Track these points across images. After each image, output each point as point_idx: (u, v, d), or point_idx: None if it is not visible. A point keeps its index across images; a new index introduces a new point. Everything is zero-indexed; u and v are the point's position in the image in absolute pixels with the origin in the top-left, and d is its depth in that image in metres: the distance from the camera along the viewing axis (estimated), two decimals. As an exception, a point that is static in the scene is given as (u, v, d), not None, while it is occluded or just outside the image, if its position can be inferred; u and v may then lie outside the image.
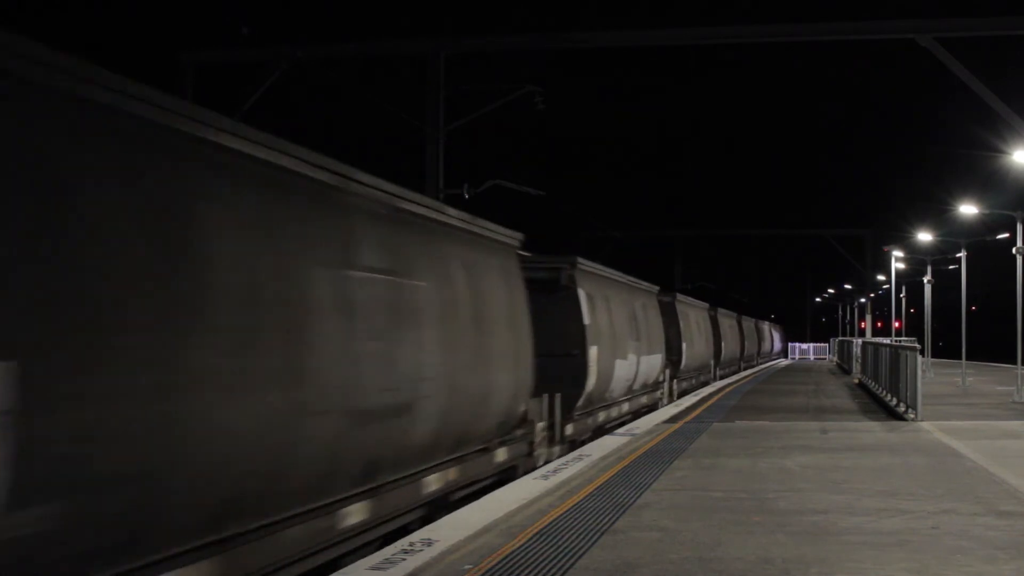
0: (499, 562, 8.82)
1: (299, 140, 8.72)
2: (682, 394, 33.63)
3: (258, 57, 24.00)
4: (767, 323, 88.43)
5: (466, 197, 24.90)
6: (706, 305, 45.06)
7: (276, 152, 8.21)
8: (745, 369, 59.52)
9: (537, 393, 15.99)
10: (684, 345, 34.23)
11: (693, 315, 38.69)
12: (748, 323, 66.82)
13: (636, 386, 24.81)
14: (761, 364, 72.80)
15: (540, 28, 24.30)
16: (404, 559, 8.77)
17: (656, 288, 30.56)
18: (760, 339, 75.31)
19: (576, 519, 10.76)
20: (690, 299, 39.89)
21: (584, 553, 9.14)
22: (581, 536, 9.88)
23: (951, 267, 52.36)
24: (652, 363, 26.50)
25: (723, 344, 47.59)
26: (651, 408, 27.34)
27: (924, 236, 47.06)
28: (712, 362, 44.41)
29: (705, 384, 40.41)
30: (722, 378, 46.25)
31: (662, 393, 29.89)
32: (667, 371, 30.70)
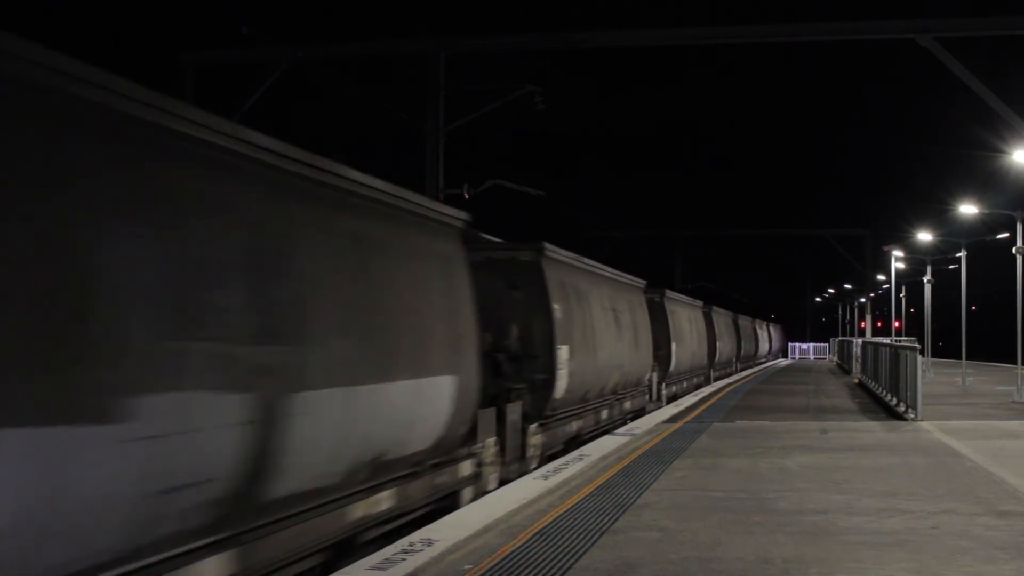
0: (499, 562, 8.82)
1: (299, 140, 8.72)
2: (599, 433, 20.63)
3: (258, 57, 23.98)
4: (750, 319, 74.70)
5: (466, 197, 24.90)
6: (640, 284, 28.45)
7: None
8: (717, 380, 46.06)
9: None
10: (562, 351, 17.53)
11: (595, 294, 21.07)
12: (722, 318, 52.89)
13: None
14: (745, 370, 60.36)
15: (540, 28, 24.30)
16: (404, 559, 8.78)
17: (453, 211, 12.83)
18: (740, 339, 60.28)
19: (576, 519, 10.76)
20: (565, 253, 19.41)
21: (584, 553, 9.14)
22: (581, 536, 9.88)
23: (951, 267, 52.39)
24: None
25: (675, 349, 33.15)
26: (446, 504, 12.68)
27: (924, 236, 47.08)
28: (653, 376, 29.19)
29: (639, 413, 26.48)
30: (672, 399, 32.11)
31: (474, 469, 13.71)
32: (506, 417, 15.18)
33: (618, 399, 24.07)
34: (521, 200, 30.47)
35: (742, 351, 61.35)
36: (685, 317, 37.07)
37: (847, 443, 18.11)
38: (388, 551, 9.14)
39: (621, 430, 21.02)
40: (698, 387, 39.15)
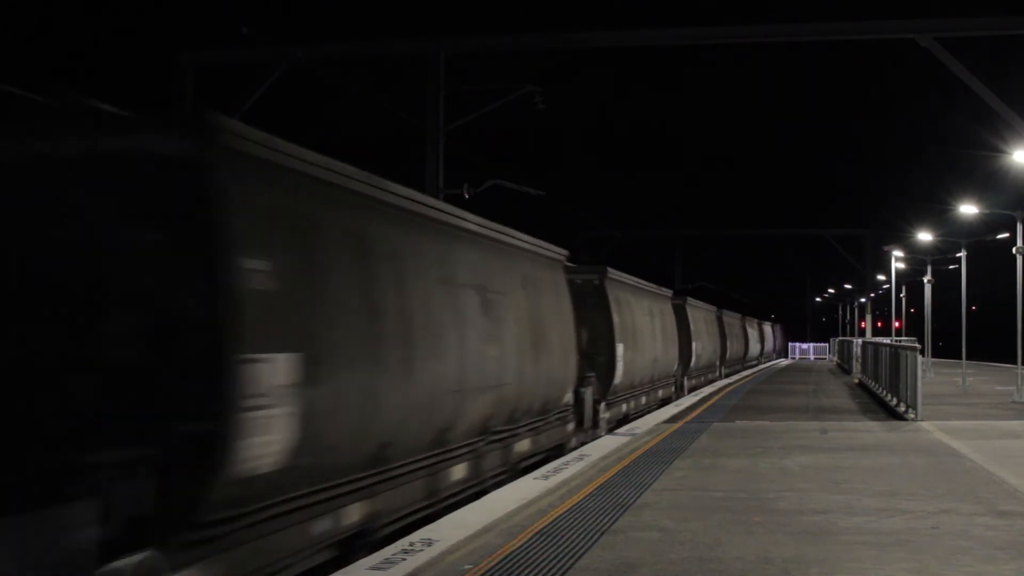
0: (499, 562, 8.82)
1: (299, 141, 8.72)
2: None
3: (258, 57, 23.96)
4: (739, 316, 65.10)
5: (466, 197, 24.90)
6: (557, 255, 18.29)
7: None
8: (692, 390, 36.51)
9: None
10: (264, 366, 7.55)
11: (427, 258, 11.75)
12: (701, 314, 42.72)
13: None
14: (733, 375, 51.65)
15: (540, 28, 24.30)
16: (404, 559, 8.78)
17: None
18: (724, 339, 50.62)
19: (576, 519, 10.76)
20: (314, 156, 9.00)
21: (584, 553, 9.15)
22: (581, 536, 9.88)
23: (951, 267, 52.41)
24: None
25: (621, 353, 23.01)
26: None
27: (924, 236, 47.08)
28: (585, 395, 20.32)
29: (553, 453, 17.27)
30: (621, 423, 23.33)
31: None
32: None
33: (495, 443, 14.05)
34: (521, 200, 30.48)
35: (727, 353, 51.62)
36: (643, 309, 27.12)
37: (847, 443, 18.12)
38: (388, 551, 9.15)
39: (621, 430, 20.94)
40: (664, 402, 29.93)
